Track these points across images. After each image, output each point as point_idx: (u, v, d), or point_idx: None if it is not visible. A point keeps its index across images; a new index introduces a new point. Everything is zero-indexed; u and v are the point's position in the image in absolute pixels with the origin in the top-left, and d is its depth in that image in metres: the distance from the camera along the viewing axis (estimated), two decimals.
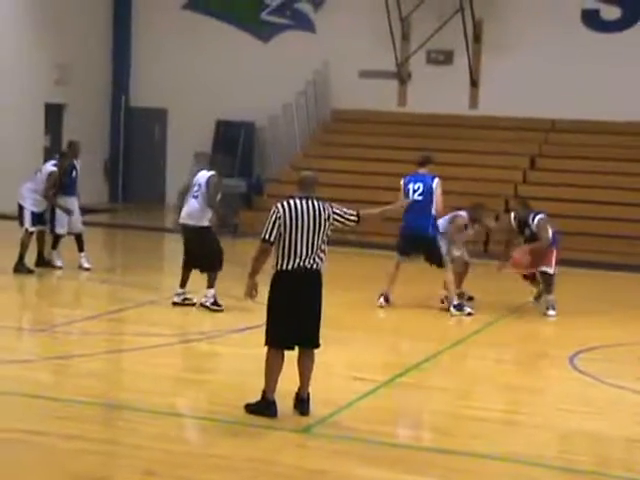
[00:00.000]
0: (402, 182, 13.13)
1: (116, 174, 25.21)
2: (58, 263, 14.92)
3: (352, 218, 8.28)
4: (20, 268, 14.27)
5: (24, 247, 14.33)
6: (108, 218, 22.76)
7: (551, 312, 13.04)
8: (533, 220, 13.06)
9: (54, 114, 23.08)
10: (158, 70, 24.57)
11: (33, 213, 14.40)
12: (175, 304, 12.32)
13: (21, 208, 14.47)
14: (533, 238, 13.02)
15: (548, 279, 13.15)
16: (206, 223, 12.17)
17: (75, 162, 14.98)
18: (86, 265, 14.96)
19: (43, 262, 14.76)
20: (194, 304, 12.28)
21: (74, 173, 14.85)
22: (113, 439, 7.69)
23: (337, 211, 8.21)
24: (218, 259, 12.20)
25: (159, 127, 25.10)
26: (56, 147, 22.97)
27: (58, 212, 14.74)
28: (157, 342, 10.58)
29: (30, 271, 14.36)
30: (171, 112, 24.82)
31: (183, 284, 12.35)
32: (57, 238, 14.92)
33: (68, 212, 14.57)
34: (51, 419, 7.93)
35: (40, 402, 8.40)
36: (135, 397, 8.69)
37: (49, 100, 22.75)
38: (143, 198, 24.93)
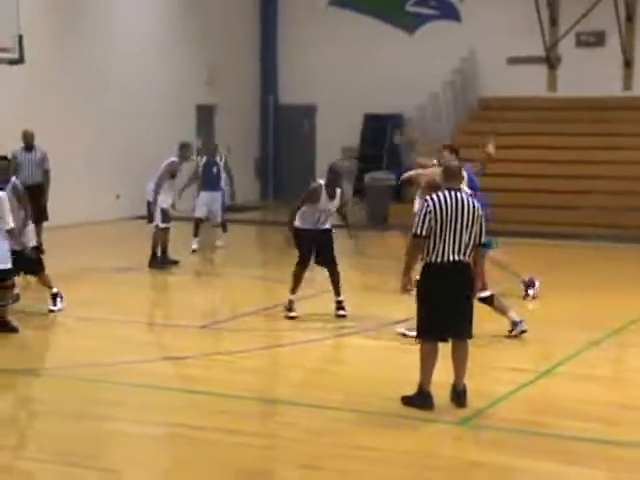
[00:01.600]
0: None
1: (267, 172, 25.56)
2: (194, 246, 16.29)
3: (482, 241, 8.10)
4: (154, 264, 14.64)
5: (156, 244, 14.69)
6: (260, 215, 23.07)
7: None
8: None
9: (205, 115, 23.55)
10: (306, 67, 24.77)
11: (162, 210, 14.71)
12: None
13: (149, 205, 14.83)
14: None
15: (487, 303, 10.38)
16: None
17: (217, 159, 16.34)
18: (219, 243, 16.73)
19: (167, 260, 15.04)
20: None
21: (214, 169, 16.24)
22: (272, 433, 7.79)
23: (483, 224, 8.11)
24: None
25: (308, 123, 25.30)
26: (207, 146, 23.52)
27: (199, 198, 16.37)
28: (313, 337, 10.65)
29: (175, 262, 14.88)
30: (320, 108, 24.99)
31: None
32: (197, 223, 16.40)
33: (163, 211, 14.89)
34: (211, 414, 8.09)
35: (200, 397, 8.57)
36: (293, 391, 8.79)
37: (200, 102, 23.23)
38: (294, 194, 25.00)
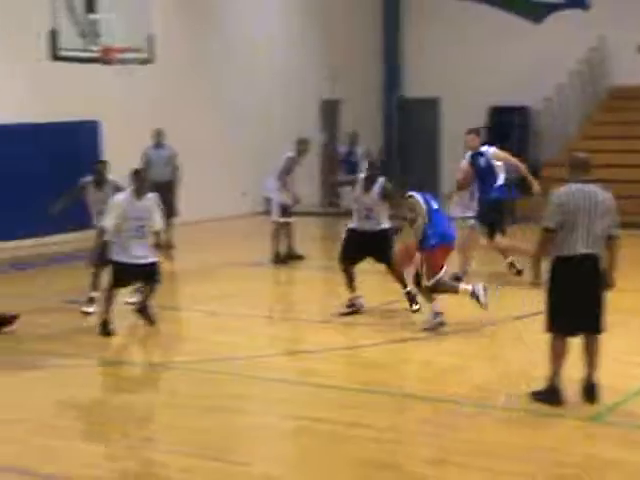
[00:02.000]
0: None
1: (392, 165, 25.52)
2: None
3: (614, 233, 7.98)
4: (277, 260, 14.81)
5: (276, 240, 14.86)
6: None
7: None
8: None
9: (330, 110, 23.67)
10: (429, 60, 24.64)
11: (281, 205, 14.87)
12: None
13: (268, 201, 15.03)
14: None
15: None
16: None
17: (357, 148, 18.15)
18: None
19: (294, 255, 15.19)
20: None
21: (352, 157, 17.92)
22: (399, 427, 7.78)
23: (614, 215, 7.97)
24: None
25: (432, 116, 25.15)
26: (334, 143, 23.64)
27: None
28: (438, 331, 10.60)
29: (300, 257, 15.10)
30: (444, 101, 24.83)
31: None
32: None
33: (293, 202, 15.02)
34: (337, 408, 8.15)
35: (326, 391, 8.64)
36: (417, 385, 8.79)
37: (325, 97, 23.37)
38: (420, 187, 24.98)
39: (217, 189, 20.06)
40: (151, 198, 10.77)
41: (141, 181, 10.76)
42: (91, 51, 14.28)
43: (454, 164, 24.14)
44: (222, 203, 20.20)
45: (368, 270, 11.87)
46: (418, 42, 24.82)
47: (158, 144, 16.47)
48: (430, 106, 24.97)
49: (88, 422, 7.89)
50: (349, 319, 11.29)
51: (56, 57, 14.03)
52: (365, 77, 24.70)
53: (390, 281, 11.73)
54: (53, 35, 13.82)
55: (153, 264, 10.72)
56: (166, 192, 16.15)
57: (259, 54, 21.35)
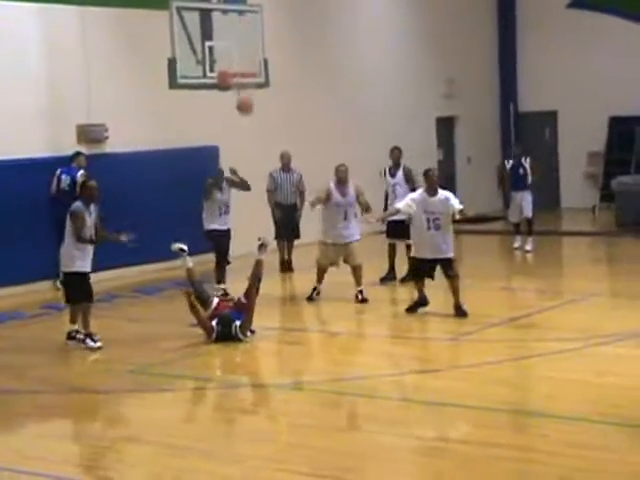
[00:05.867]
0: None
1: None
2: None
3: None
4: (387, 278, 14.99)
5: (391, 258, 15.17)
6: (503, 225, 22.77)
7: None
8: None
9: (445, 127, 23.56)
10: (546, 73, 24.30)
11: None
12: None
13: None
14: None
15: None
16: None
17: (522, 160, 17.85)
18: (528, 247, 17.71)
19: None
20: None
21: (521, 170, 17.80)
22: (526, 446, 7.66)
23: None
24: None
25: (550, 130, 24.80)
26: (451, 160, 23.55)
27: (512, 200, 18.12)
28: (562, 347, 10.42)
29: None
30: (561, 113, 24.45)
31: None
32: (515, 226, 18.27)
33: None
34: (465, 427, 8.09)
35: (453, 410, 8.57)
36: (545, 403, 8.64)
37: (440, 114, 23.26)
38: (538, 204, 24.65)
39: None
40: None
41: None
42: (208, 77, 14.55)
43: (574, 178, 23.98)
44: None
45: (492, 286, 11.74)
46: (534, 56, 24.52)
47: (285, 167, 16.60)
48: (548, 119, 24.63)
49: (211, 443, 7.98)
50: (474, 336, 11.19)
51: (175, 85, 14.34)
52: (480, 93, 24.49)
53: (514, 297, 11.61)
54: (172, 63, 14.13)
55: None
56: (292, 214, 16.38)
57: (374, 74, 21.37)
